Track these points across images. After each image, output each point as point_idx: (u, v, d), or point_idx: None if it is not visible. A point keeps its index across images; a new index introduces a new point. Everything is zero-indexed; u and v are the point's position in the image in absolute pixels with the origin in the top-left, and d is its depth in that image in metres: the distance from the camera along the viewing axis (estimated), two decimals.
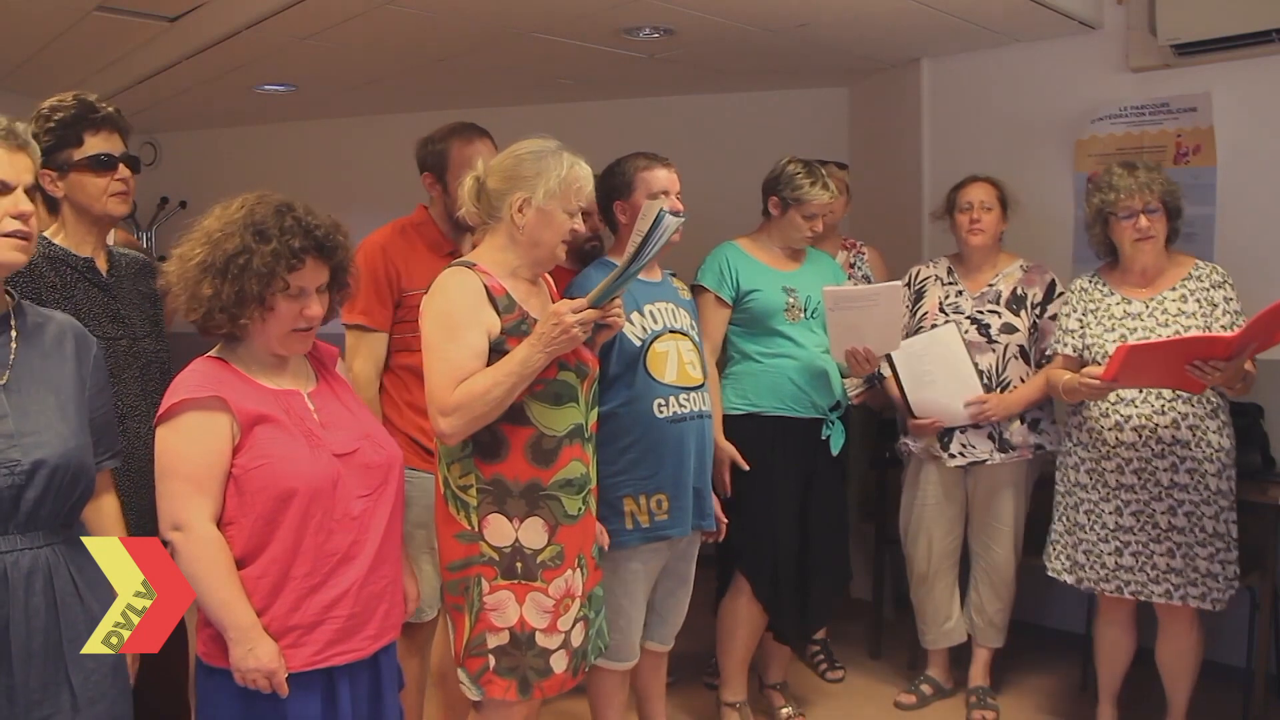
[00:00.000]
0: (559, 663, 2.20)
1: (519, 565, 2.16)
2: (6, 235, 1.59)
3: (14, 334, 1.68)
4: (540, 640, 2.18)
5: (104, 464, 1.79)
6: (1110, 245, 2.92)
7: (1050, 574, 3.01)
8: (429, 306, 2.18)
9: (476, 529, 2.16)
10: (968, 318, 3.22)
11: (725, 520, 2.80)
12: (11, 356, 1.65)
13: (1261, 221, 3.41)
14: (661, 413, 2.57)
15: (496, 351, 2.13)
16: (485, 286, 2.15)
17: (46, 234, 2.17)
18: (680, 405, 2.60)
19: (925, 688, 3.44)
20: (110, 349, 2.11)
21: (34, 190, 1.64)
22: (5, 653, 1.56)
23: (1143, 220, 2.80)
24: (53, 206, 2.18)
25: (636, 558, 2.60)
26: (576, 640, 2.25)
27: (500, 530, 2.15)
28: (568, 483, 2.19)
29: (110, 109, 2.17)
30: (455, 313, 2.13)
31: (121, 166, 2.16)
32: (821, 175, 3.07)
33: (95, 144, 2.12)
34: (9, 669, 1.56)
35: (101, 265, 2.18)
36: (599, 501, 2.50)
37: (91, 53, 4.19)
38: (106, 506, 1.84)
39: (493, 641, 2.16)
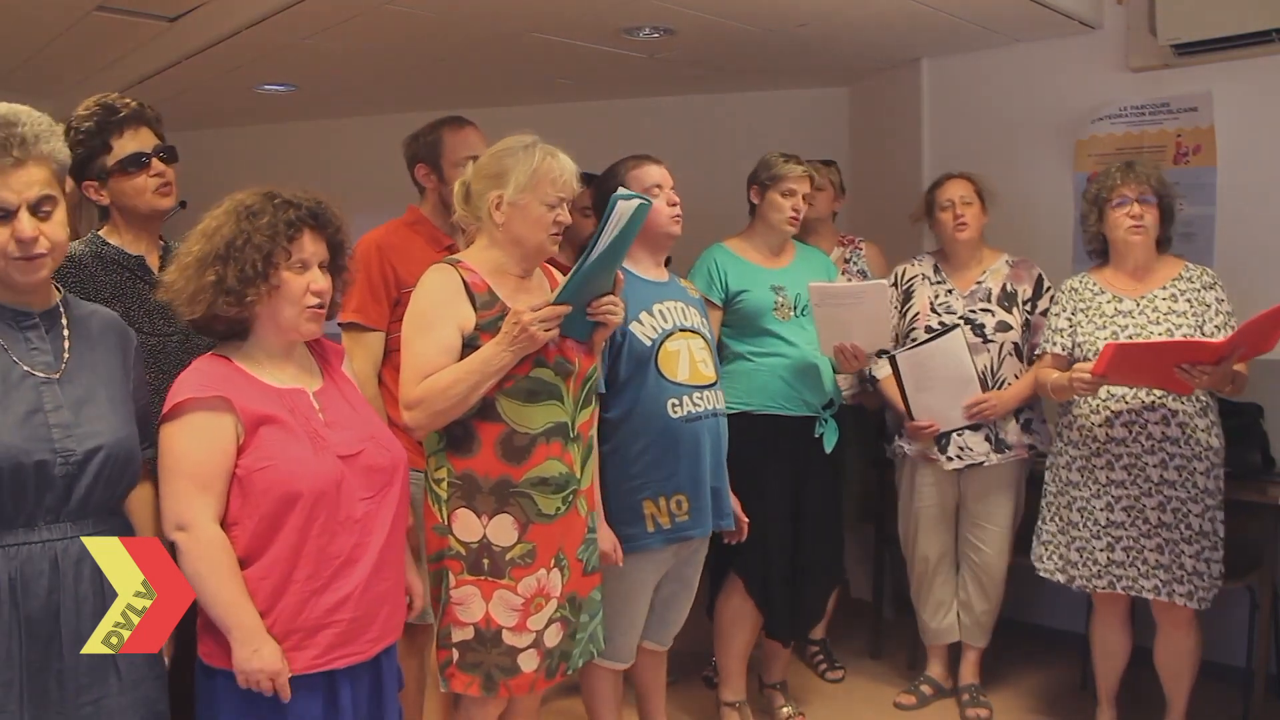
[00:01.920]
0: (528, 662, 2.20)
1: (486, 562, 2.16)
2: (15, 259, 1.59)
3: (66, 329, 1.71)
4: (507, 638, 2.17)
5: (145, 453, 1.81)
6: (1103, 242, 2.93)
7: (1041, 574, 3.01)
8: (410, 303, 2.22)
9: (446, 523, 2.18)
10: (960, 317, 3.22)
11: (746, 519, 2.79)
12: (66, 350, 1.69)
13: (1261, 221, 3.41)
14: (676, 412, 2.56)
15: (470, 347, 2.14)
16: (465, 282, 2.17)
17: (101, 234, 2.20)
18: (694, 404, 2.59)
19: (925, 688, 3.44)
20: (163, 345, 2.14)
21: (49, 200, 1.61)
22: (56, 637, 1.60)
23: (1135, 207, 2.82)
24: (103, 213, 2.20)
25: (642, 564, 2.59)
26: (551, 641, 2.23)
27: (468, 525, 2.16)
28: (542, 481, 2.18)
29: (133, 106, 2.18)
30: (428, 309, 2.17)
31: (155, 161, 2.17)
32: (795, 156, 3.10)
33: (124, 145, 2.13)
34: (59, 654, 1.60)
35: (153, 262, 2.20)
36: (618, 506, 2.51)
37: (91, 53, 4.19)
38: (146, 494, 1.85)
39: (457, 636, 2.18)
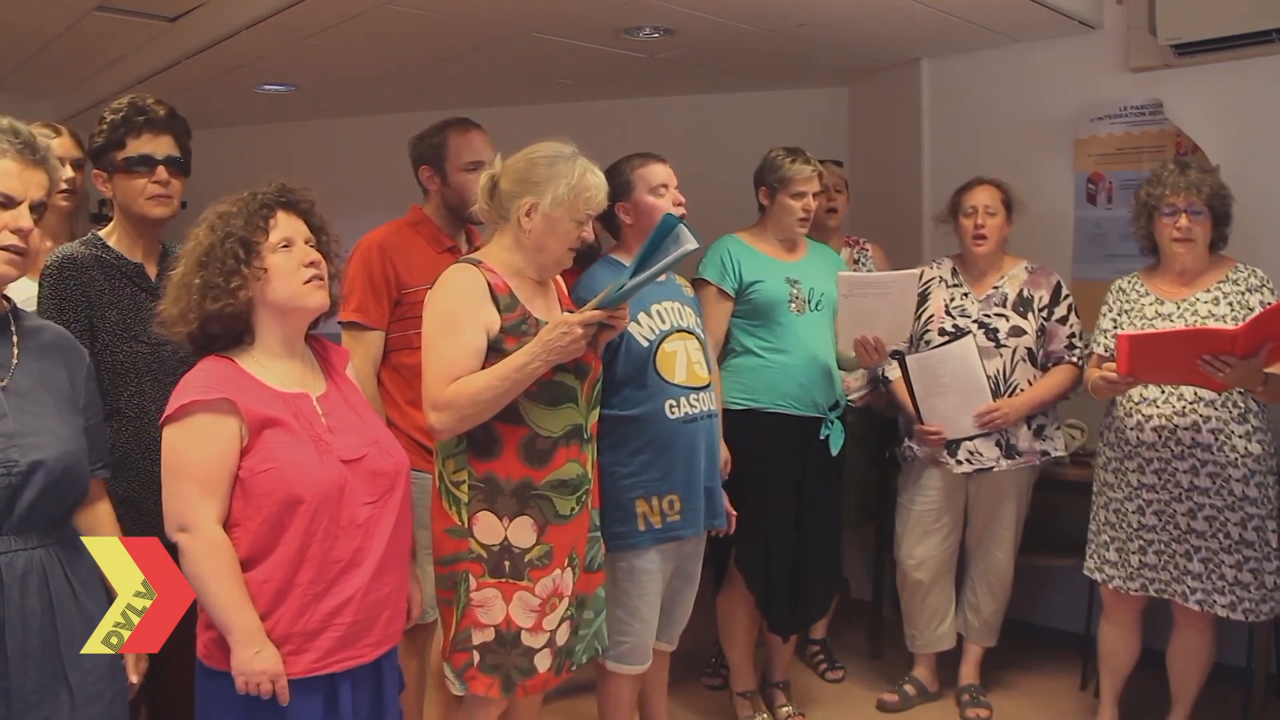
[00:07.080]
0: (543, 662, 2.21)
1: (507, 564, 2.16)
2: (1, 249, 1.60)
3: (14, 337, 1.69)
4: (525, 639, 2.18)
5: (97, 473, 1.79)
6: (1153, 242, 2.91)
7: (1085, 573, 3.00)
8: (431, 301, 2.19)
9: (466, 525, 2.17)
10: (975, 321, 3.20)
11: (735, 514, 2.79)
12: (14, 359, 1.66)
13: (1261, 221, 3.40)
14: (673, 414, 2.56)
15: (494, 349, 2.13)
16: (489, 284, 2.16)
17: (101, 234, 2.22)
18: (691, 405, 2.59)
19: (909, 688, 3.43)
20: (156, 353, 2.14)
21: (42, 206, 1.65)
22: (1, 654, 1.55)
23: (1183, 220, 2.78)
24: (94, 216, 2.21)
25: (650, 559, 2.59)
26: (562, 639, 2.25)
27: (489, 528, 2.16)
28: (561, 483, 2.19)
29: (160, 112, 2.21)
30: (455, 309, 2.14)
31: (161, 169, 2.19)
32: (802, 153, 3.06)
33: (137, 145, 2.17)
34: (4, 671, 1.56)
35: (151, 270, 2.21)
36: (610, 504, 2.50)
37: (91, 53, 4.18)
38: (102, 513, 1.84)
39: (478, 638, 2.17)
